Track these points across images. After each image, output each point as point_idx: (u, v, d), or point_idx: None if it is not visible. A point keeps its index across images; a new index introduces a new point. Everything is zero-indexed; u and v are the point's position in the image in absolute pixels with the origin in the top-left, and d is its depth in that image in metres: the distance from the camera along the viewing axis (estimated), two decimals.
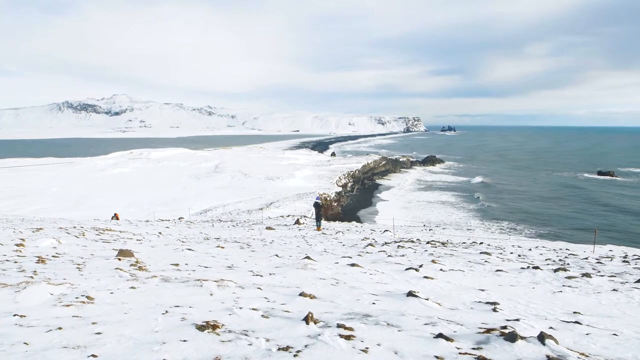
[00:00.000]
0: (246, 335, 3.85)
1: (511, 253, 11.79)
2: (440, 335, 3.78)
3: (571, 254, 12.35)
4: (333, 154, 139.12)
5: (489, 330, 3.97)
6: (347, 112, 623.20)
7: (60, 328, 3.89)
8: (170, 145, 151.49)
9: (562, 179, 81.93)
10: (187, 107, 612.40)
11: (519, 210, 54.57)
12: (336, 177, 70.86)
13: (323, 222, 24.66)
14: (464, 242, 14.67)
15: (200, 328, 3.96)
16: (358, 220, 46.37)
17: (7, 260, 7.17)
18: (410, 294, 5.42)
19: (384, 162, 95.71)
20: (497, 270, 8.37)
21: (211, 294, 5.35)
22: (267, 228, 19.96)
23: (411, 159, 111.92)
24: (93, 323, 4.08)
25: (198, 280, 5.91)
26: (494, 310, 4.92)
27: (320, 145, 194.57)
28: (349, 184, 73.13)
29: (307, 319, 4.21)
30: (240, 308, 4.70)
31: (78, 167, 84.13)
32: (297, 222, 23.94)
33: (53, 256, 7.97)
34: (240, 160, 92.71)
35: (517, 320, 4.44)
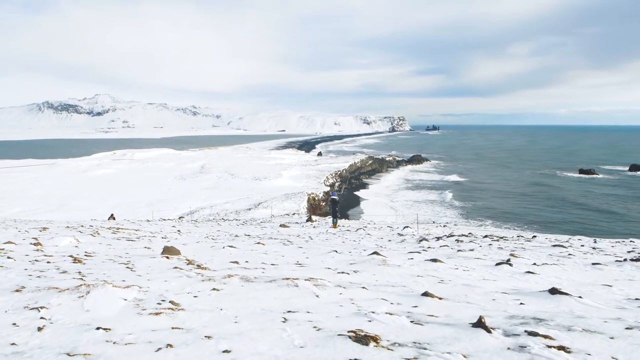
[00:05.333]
0: (425, 349, 2.89)
1: (582, 246, 11.04)
2: None
3: None
4: (320, 154, 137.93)
5: None
6: (332, 112, 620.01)
7: (170, 345, 2.87)
8: (155, 146, 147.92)
9: (542, 177, 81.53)
10: (171, 107, 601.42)
11: (500, 208, 54.06)
12: (324, 177, 69.85)
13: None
14: (519, 236, 13.95)
15: (359, 341, 2.98)
16: (347, 219, 45.50)
17: (36, 261, 6.02)
18: (555, 291, 4.53)
19: (370, 162, 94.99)
20: (594, 264, 7.57)
21: (317, 296, 4.36)
22: (281, 225, 18.92)
23: (397, 158, 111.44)
24: (207, 337, 3.06)
25: (287, 279, 4.90)
26: None
27: (307, 145, 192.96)
28: (337, 184, 72.31)
29: (483, 326, 3.26)
30: (374, 312, 3.73)
31: (60, 169, 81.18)
32: (310, 219, 22.95)
33: (86, 255, 6.83)
34: (226, 160, 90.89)
35: None
